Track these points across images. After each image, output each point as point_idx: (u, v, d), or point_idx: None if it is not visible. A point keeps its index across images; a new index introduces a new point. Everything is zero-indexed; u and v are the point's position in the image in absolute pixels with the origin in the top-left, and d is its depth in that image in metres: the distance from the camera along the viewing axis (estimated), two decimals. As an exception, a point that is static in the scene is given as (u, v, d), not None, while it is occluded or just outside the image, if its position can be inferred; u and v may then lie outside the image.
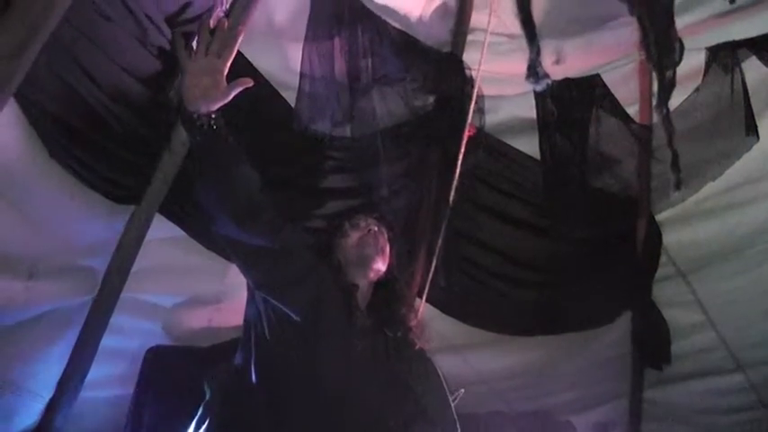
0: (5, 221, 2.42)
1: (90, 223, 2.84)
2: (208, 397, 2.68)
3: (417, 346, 2.58)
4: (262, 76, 3.22)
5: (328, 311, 2.36)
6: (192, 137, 2.01)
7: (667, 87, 3.40)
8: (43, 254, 2.64)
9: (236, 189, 2.10)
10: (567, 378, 4.40)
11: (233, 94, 1.97)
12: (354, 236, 2.60)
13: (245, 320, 2.40)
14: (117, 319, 3.04)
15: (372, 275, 2.56)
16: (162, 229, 3.07)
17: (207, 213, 2.15)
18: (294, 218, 2.91)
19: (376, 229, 2.63)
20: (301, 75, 3.30)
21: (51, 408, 2.94)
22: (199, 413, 2.75)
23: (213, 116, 1.97)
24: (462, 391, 3.12)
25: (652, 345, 4.36)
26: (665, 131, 3.43)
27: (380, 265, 2.57)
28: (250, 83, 2.01)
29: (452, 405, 2.60)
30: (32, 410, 2.88)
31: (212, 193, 2.11)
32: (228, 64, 1.98)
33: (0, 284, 2.46)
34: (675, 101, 3.51)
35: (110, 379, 3.21)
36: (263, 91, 3.23)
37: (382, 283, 2.63)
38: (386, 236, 2.66)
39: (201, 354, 3.27)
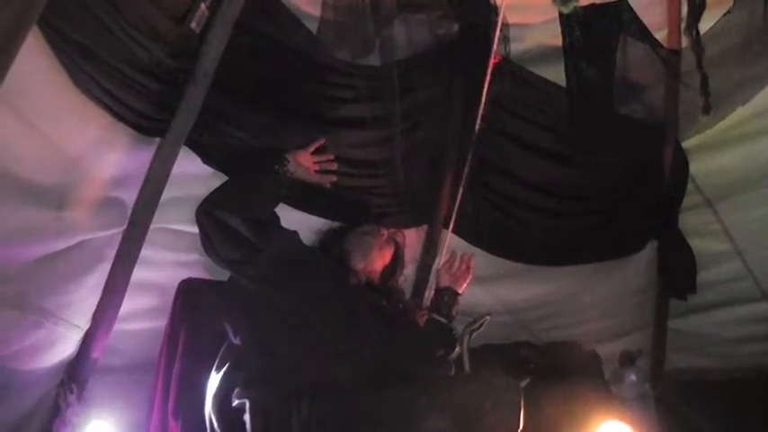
0: (34, 150, 2.41)
1: (117, 155, 2.84)
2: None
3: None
4: (284, 5, 3.16)
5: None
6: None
7: (697, 10, 3.31)
8: (72, 184, 2.65)
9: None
10: (593, 308, 4.41)
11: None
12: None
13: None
14: (148, 251, 3.07)
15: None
16: (191, 163, 3.08)
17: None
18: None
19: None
20: (323, 3, 3.25)
21: (88, 338, 3.00)
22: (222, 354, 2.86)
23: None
24: (488, 317, 3.15)
25: (677, 274, 4.35)
26: (695, 54, 3.35)
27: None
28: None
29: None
30: (70, 341, 2.93)
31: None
32: None
33: (31, 214, 2.47)
34: (705, 25, 3.42)
35: (144, 311, 3.26)
36: (286, 21, 3.18)
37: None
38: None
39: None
